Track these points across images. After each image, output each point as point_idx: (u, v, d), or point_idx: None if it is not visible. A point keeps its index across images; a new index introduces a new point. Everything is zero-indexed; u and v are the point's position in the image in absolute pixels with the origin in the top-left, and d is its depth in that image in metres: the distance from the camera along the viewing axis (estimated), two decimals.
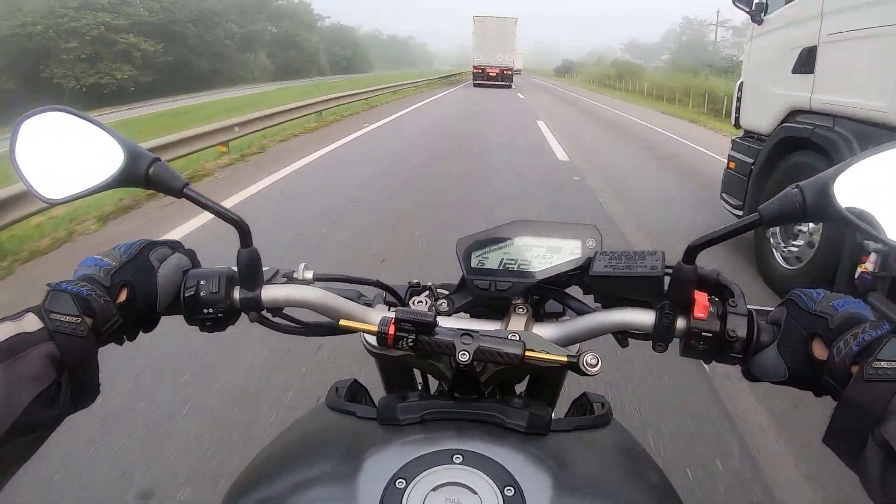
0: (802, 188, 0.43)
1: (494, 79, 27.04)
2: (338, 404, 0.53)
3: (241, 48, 51.39)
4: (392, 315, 0.46)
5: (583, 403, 0.59)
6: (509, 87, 26.53)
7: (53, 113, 0.48)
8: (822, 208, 0.42)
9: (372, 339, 0.52)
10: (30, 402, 0.38)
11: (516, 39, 27.96)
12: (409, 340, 0.45)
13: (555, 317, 0.57)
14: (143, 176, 0.48)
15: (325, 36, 74.13)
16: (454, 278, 0.58)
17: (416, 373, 0.65)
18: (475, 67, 27.84)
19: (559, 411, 0.60)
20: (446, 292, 0.56)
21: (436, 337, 0.45)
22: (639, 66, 50.56)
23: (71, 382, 0.42)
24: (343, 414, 0.52)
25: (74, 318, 0.42)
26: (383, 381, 0.64)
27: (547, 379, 0.60)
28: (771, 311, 0.49)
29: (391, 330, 0.45)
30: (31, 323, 0.41)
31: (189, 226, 3.92)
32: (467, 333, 0.45)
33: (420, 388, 0.66)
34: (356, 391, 0.58)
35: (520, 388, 0.64)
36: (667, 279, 0.49)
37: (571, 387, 0.64)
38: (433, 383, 0.65)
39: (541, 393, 0.61)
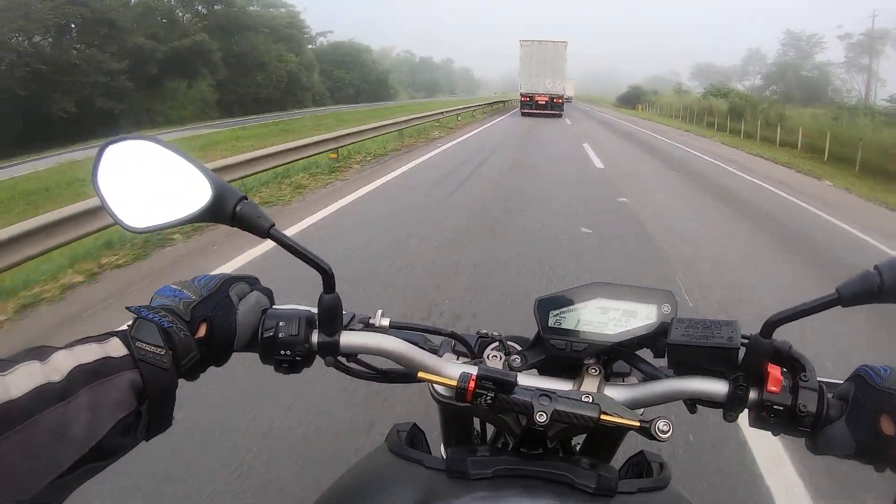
0: (881, 268, 0.45)
1: (543, 107, 25.41)
2: (402, 450, 0.55)
3: (162, 73, 35.44)
4: (473, 371, 0.48)
5: (639, 462, 0.60)
6: (559, 115, 25.32)
7: (139, 141, 0.50)
8: None
9: (441, 389, 0.54)
10: (111, 427, 0.38)
11: (566, 65, 25.71)
12: (489, 398, 0.47)
13: (621, 377, 0.58)
14: (230, 213, 0.49)
15: (325, 56, 62.69)
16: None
17: (476, 421, 0.65)
18: (523, 95, 25.89)
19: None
20: (516, 346, 0.58)
21: (514, 396, 0.47)
22: (756, 98, 35.26)
23: (150, 412, 0.42)
24: (409, 461, 0.53)
25: (159, 349, 0.43)
26: (443, 429, 0.64)
27: (608, 437, 0.60)
28: (839, 383, 0.51)
29: (471, 386, 0.47)
30: (117, 348, 0.42)
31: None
32: (546, 395, 0.47)
33: (478, 438, 0.66)
34: (415, 436, 0.61)
35: (577, 439, 0.63)
36: (741, 350, 0.50)
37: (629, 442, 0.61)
38: (488, 430, 0.66)
39: (598, 450, 0.61)
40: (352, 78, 66.92)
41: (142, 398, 0.41)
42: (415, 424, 0.62)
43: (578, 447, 0.62)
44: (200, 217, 0.49)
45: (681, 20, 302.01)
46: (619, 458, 0.61)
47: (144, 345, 0.43)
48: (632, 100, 61.00)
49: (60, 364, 0.38)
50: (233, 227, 0.50)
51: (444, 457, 0.55)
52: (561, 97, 25.28)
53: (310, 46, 60.54)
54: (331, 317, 0.54)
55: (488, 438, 0.67)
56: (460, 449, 0.56)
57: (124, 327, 0.44)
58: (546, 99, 25.12)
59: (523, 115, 24.99)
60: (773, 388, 0.48)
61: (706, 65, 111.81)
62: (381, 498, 0.50)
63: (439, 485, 0.49)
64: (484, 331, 0.61)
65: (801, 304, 0.47)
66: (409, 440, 0.59)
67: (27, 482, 0.34)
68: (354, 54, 69.46)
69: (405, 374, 0.57)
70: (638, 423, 0.47)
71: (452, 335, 0.60)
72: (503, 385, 0.47)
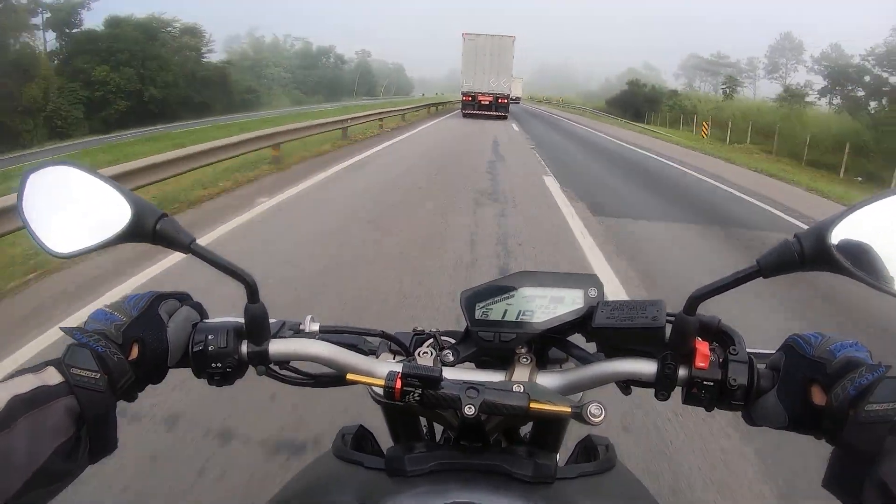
0: (800, 237, 0.46)
1: (487, 108, 23.55)
2: (345, 453, 0.56)
3: None
4: (398, 370, 0.49)
5: (587, 446, 0.62)
6: (505, 118, 23.68)
7: (60, 167, 0.51)
8: (820, 256, 0.45)
9: (378, 390, 0.54)
10: (51, 453, 0.40)
11: (514, 61, 23.50)
12: (416, 395, 0.48)
13: (558, 363, 0.60)
14: (150, 231, 0.50)
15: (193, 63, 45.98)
16: None
17: (422, 420, 0.67)
18: (464, 95, 24.09)
19: (565, 451, 0.64)
20: (451, 341, 0.59)
21: (442, 391, 0.48)
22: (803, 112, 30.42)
23: (90, 436, 0.44)
24: (350, 464, 0.55)
25: (94, 374, 0.45)
26: (389, 429, 0.66)
27: (551, 424, 0.62)
28: (771, 354, 0.52)
29: (398, 384, 0.48)
30: (52, 376, 0.43)
31: None
32: (473, 387, 0.49)
33: (426, 435, 0.68)
34: (363, 437, 0.62)
35: (524, 429, 0.66)
36: (668, 328, 0.51)
37: (577, 426, 0.63)
38: (438, 429, 0.67)
39: (546, 438, 0.63)
40: (211, 82, 47.03)
41: (80, 423, 0.43)
42: (361, 426, 0.63)
43: (528, 437, 0.64)
44: (122, 238, 0.51)
45: (640, 9, 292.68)
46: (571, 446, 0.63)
47: (79, 370, 0.44)
48: (637, 105, 44.99)
49: None
50: (155, 244, 0.51)
51: (378, 457, 0.56)
52: (507, 97, 23.71)
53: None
54: (257, 326, 0.55)
55: (437, 435, 0.69)
56: (400, 447, 0.58)
57: (57, 357, 0.46)
58: (490, 99, 23.35)
59: (464, 116, 23.47)
60: (702, 364, 0.50)
61: (694, 56, 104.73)
62: (321, 501, 0.52)
63: (379, 484, 0.51)
64: (420, 328, 0.62)
65: (721, 279, 0.48)
66: (356, 442, 0.60)
67: None
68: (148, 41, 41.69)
69: (336, 377, 0.58)
70: (569, 409, 0.48)
71: (383, 335, 0.62)
72: (428, 381, 0.48)
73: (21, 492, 0.38)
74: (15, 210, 0.47)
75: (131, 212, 0.50)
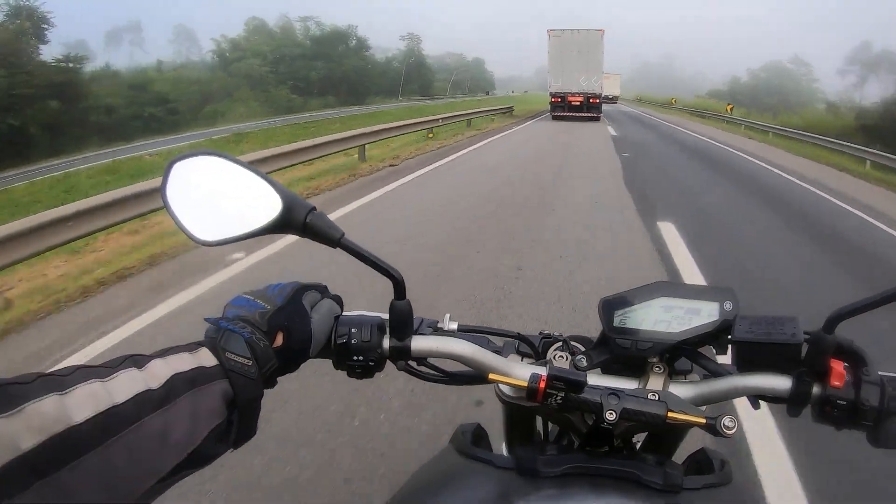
0: None
1: (578, 108, 22.22)
2: (469, 450, 0.58)
3: None
4: (543, 372, 0.51)
5: (700, 459, 0.62)
6: (597, 119, 22.02)
7: (205, 156, 0.52)
8: None
9: (506, 389, 0.58)
10: (206, 434, 0.41)
11: (605, 58, 21.93)
12: (559, 398, 0.50)
13: (683, 374, 0.61)
14: (301, 224, 0.52)
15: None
16: None
17: (538, 421, 0.70)
18: (553, 96, 22.75)
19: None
20: (579, 346, 0.61)
21: (583, 395, 0.51)
22: None
23: (238, 421, 0.46)
24: (477, 461, 0.56)
25: (247, 360, 0.46)
26: (506, 429, 0.68)
27: (667, 435, 0.63)
28: None
29: (542, 386, 0.50)
30: (208, 358, 0.45)
31: None
32: (614, 393, 0.51)
33: (541, 437, 0.70)
34: (479, 436, 0.64)
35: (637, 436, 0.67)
36: (803, 345, 0.53)
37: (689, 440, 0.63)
38: (550, 429, 0.69)
39: (659, 447, 0.64)
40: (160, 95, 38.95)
41: (231, 407, 0.45)
42: (479, 425, 0.66)
43: (639, 445, 0.65)
44: (272, 228, 0.52)
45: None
46: (678, 456, 0.64)
47: (233, 356, 0.46)
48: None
49: (158, 371, 0.41)
50: (304, 237, 0.53)
51: (508, 456, 0.59)
52: (598, 97, 22.25)
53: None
54: (402, 322, 0.58)
55: (551, 438, 0.71)
56: (528, 448, 0.60)
57: (206, 338, 0.48)
58: (581, 99, 21.91)
59: (554, 118, 22.25)
60: (837, 383, 0.51)
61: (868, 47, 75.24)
62: (453, 498, 0.53)
63: (510, 483, 0.52)
64: (547, 331, 0.65)
65: (862, 299, 0.49)
66: (474, 440, 0.62)
67: (131, 485, 0.36)
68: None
69: (474, 376, 0.61)
70: (704, 420, 0.49)
71: (518, 336, 0.64)
72: (574, 385, 0.50)
73: (172, 471, 0.39)
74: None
75: (282, 204, 0.51)
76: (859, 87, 71.33)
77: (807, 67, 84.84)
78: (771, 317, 0.54)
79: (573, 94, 21.88)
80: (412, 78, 78.48)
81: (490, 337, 0.64)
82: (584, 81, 21.85)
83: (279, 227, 0.51)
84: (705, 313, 0.55)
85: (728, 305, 0.55)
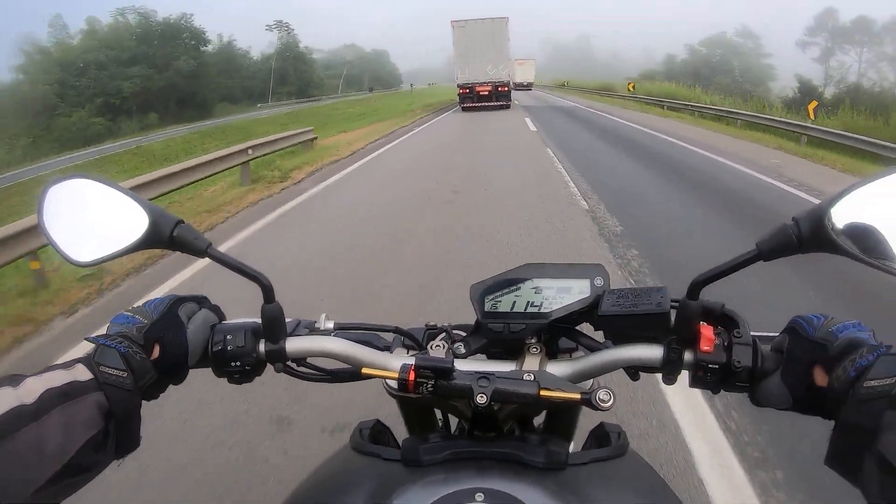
0: (798, 220, 0.47)
1: (487, 98, 22.04)
2: (362, 446, 0.59)
3: None
4: (411, 362, 0.52)
5: (599, 434, 0.64)
6: (507, 106, 22.10)
7: (77, 180, 0.55)
8: (818, 238, 0.46)
9: (393, 383, 0.58)
10: (82, 444, 0.43)
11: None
12: (429, 385, 0.51)
13: (568, 352, 0.62)
14: (167, 237, 0.54)
15: None
16: None
17: (437, 412, 0.70)
18: (461, 87, 22.40)
19: (578, 440, 0.67)
20: (463, 334, 0.62)
21: (454, 381, 0.51)
22: None
23: (117, 432, 0.47)
24: (368, 456, 0.57)
25: (121, 372, 0.48)
26: (405, 422, 0.69)
27: (564, 413, 0.65)
28: (775, 336, 0.54)
29: (411, 376, 0.51)
30: (82, 373, 0.47)
31: None
32: (484, 376, 0.51)
33: (441, 427, 0.71)
34: (379, 431, 0.64)
35: (538, 419, 0.68)
36: (673, 313, 0.54)
37: (590, 415, 0.64)
38: (453, 421, 0.70)
39: (559, 426, 0.65)
40: None
41: (108, 418, 0.47)
42: (378, 421, 0.66)
43: (541, 427, 0.67)
44: (141, 245, 0.54)
45: None
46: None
47: (107, 369, 0.48)
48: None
49: (32, 388, 0.43)
50: (173, 250, 0.55)
51: (395, 448, 0.60)
52: (506, 84, 22.21)
53: None
54: (274, 325, 0.58)
55: (453, 427, 0.72)
56: (415, 438, 0.61)
57: (84, 355, 0.49)
58: (489, 89, 21.54)
59: (464, 109, 21.98)
60: (707, 348, 0.52)
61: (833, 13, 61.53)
62: (342, 494, 0.54)
63: (396, 474, 0.53)
64: (432, 322, 0.65)
65: (723, 264, 0.50)
66: (373, 436, 0.63)
67: (11, 492, 0.39)
68: None
69: (353, 372, 0.61)
70: (578, 396, 0.50)
71: (397, 330, 0.65)
72: (441, 372, 0.51)
73: (51, 481, 0.41)
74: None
75: (149, 219, 0.54)
76: (823, 60, 61.78)
77: (755, 41, 68.00)
78: (639, 288, 0.56)
79: (481, 84, 21.74)
80: (289, 77, 64.71)
81: (380, 333, 0.65)
82: (491, 70, 21.79)
83: (149, 241, 0.54)
84: (576, 290, 0.57)
85: (599, 281, 0.57)
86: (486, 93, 21.83)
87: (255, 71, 63.38)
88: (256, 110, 46.51)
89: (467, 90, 22.06)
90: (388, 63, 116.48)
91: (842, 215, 0.45)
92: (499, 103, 21.90)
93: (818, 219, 0.45)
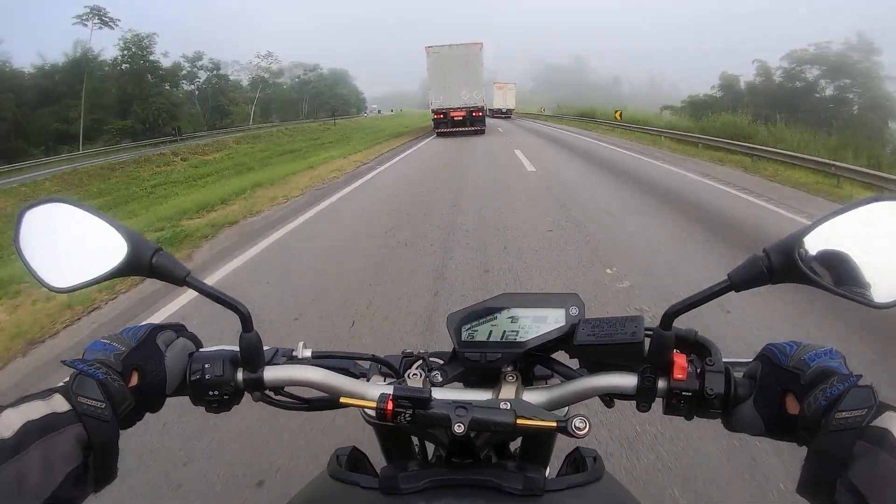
0: (768, 252, 0.48)
1: (461, 123, 22.25)
2: (340, 474, 0.59)
3: None
4: (389, 391, 0.52)
5: (576, 458, 0.65)
6: (482, 131, 22.37)
7: (54, 204, 0.54)
8: (788, 270, 0.47)
9: (371, 412, 0.58)
10: (62, 480, 0.42)
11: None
12: (407, 415, 0.51)
13: (543, 379, 0.63)
14: (146, 265, 0.54)
15: None
16: None
17: (414, 438, 0.71)
18: (435, 112, 22.52)
19: (555, 465, 0.68)
20: (440, 362, 0.63)
21: (432, 410, 0.52)
22: None
23: (95, 464, 0.47)
24: (346, 484, 0.57)
25: (100, 403, 0.47)
26: (382, 449, 0.69)
27: (540, 439, 0.66)
28: (749, 362, 0.55)
29: (389, 405, 0.51)
30: (60, 404, 0.46)
31: None
32: (462, 406, 0.52)
33: (418, 454, 0.71)
34: (357, 459, 0.64)
35: (514, 444, 0.69)
36: (647, 343, 0.55)
37: (565, 440, 0.65)
38: (430, 447, 0.71)
39: (535, 451, 0.66)
40: None
41: (87, 451, 0.46)
42: (354, 448, 0.66)
43: (518, 453, 0.67)
44: (120, 272, 0.53)
45: None
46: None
47: (85, 399, 0.47)
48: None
49: (10, 421, 0.42)
50: (151, 278, 0.54)
51: (373, 476, 0.60)
52: (481, 109, 22.35)
53: None
54: (252, 354, 0.58)
55: (431, 455, 0.72)
56: (393, 466, 0.60)
57: (62, 383, 0.48)
58: (463, 114, 22.28)
59: (439, 135, 21.90)
60: (680, 376, 0.54)
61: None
62: None
63: (375, 503, 0.53)
64: (409, 350, 0.66)
65: (695, 294, 0.52)
66: (351, 464, 0.63)
67: None
68: None
69: (330, 400, 0.61)
70: (555, 424, 0.51)
71: (373, 358, 0.65)
72: (418, 401, 0.51)
73: None
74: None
75: (127, 246, 0.53)
76: None
77: (866, 52, 36.02)
78: (615, 318, 0.56)
79: (455, 109, 21.80)
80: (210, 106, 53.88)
81: (358, 361, 0.65)
82: (465, 96, 21.89)
83: (127, 269, 0.53)
84: (552, 320, 0.58)
85: (574, 311, 0.58)
86: (461, 118, 21.87)
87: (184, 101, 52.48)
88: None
89: (441, 115, 22.08)
90: (350, 84, 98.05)
91: (816, 244, 0.46)
92: (473, 128, 21.93)
93: (788, 251, 0.47)
